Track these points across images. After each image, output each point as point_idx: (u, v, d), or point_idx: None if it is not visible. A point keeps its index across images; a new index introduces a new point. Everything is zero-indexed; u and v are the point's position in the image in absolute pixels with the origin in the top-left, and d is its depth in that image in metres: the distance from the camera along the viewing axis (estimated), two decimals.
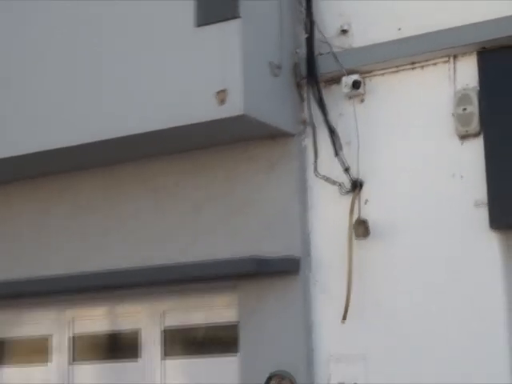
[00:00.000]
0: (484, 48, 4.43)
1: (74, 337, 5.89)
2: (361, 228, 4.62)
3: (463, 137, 4.45)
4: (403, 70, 4.71)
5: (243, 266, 4.72)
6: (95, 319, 5.84)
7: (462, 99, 4.47)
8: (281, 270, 4.76)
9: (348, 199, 4.70)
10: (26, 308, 5.95)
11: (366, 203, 4.69)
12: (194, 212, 5.10)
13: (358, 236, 4.62)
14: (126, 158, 5.28)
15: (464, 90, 4.48)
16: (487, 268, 4.31)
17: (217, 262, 4.83)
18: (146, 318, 5.56)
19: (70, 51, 5.05)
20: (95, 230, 5.46)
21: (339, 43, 4.83)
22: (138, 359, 5.57)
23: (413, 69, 4.70)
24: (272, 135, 4.85)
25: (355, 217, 4.64)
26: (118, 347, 5.82)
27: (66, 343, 5.89)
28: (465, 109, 4.43)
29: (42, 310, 5.91)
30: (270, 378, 4.75)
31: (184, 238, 5.09)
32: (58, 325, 5.93)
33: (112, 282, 5.24)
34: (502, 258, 4.31)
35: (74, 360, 5.86)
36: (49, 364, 5.96)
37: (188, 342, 5.49)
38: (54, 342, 5.93)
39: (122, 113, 4.83)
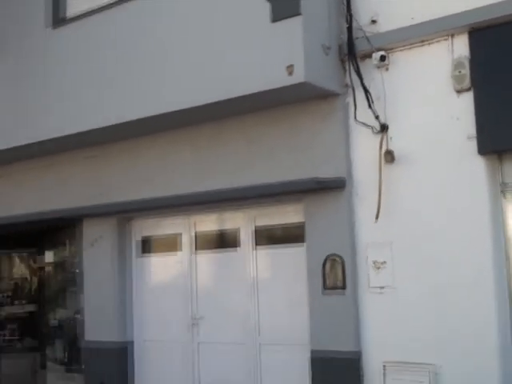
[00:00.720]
0: (473, 28, 4.71)
1: (195, 234, 6.47)
2: (388, 156, 5.00)
3: (459, 91, 4.78)
4: (415, 46, 4.99)
5: (307, 185, 5.22)
6: (209, 222, 6.42)
7: (457, 65, 4.77)
8: (332, 186, 5.20)
9: (378, 137, 5.05)
10: (164, 216, 6.63)
11: (390, 140, 5.04)
12: (271, 150, 5.57)
13: (386, 162, 4.98)
14: (226, 115, 5.72)
15: (459, 58, 4.78)
16: (476, 181, 4.66)
17: (289, 182, 5.30)
18: (242, 221, 6.10)
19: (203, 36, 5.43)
20: (206, 163, 5.99)
21: (370, 30, 5.12)
22: (238, 249, 6.12)
23: (422, 46, 4.97)
24: (324, 95, 5.25)
25: (383, 149, 4.99)
26: (225, 241, 6.35)
27: (190, 239, 6.49)
28: (460, 71, 4.74)
29: (174, 217, 6.56)
30: (326, 259, 5.22)
31: (266, 166, 5.56)
32: (185, 226, 6.54)
33: (219, 197, 5.80)
34: (486, 174, 4.67)
35: (196, 249, 6.46)
36: (179, 253, 6.58)
37: (271, 237, 5.96)
38: (183, 238, 6.54)
39: (226, 79, 5.22)
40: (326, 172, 5.18)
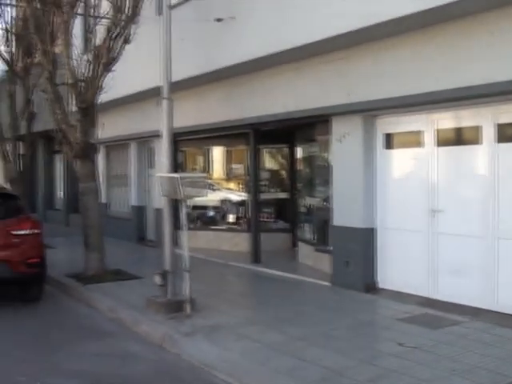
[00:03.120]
0: None
1: (437, 130, 7.07)
2: None
3: None
4: None
5: None
6: (451, 119, 6.94)
7: None
8: None
9: None
10: (407, 113, 7.30)
11: None
12: (488, 45, 5.85)
13: None
14: (472, 11, 5.99)
15: None
16: None
17: None
18: (485, 118, 6.51)
19: None
20: (448, 61, 6.33)
21: None
22: (480, 144, 6.60)
23: None
24: None
25: None
26: (466, 137, 6.91)
27: (432, 135, 7.11)
28: None
29: (417, 114, 7.20)
30: None
31: (508, 62, 5.81)
32: (427, 123, 7.18)
33: (461, 95, 6.23)
34: None
35: (437, 145, 7.07)
36: (421, 148, 7.26)
37: None
38: (425, 134, 7.19)
39: None
40: None
